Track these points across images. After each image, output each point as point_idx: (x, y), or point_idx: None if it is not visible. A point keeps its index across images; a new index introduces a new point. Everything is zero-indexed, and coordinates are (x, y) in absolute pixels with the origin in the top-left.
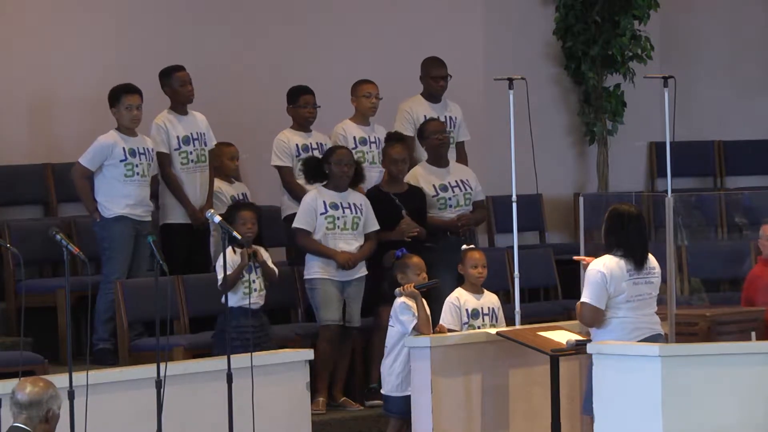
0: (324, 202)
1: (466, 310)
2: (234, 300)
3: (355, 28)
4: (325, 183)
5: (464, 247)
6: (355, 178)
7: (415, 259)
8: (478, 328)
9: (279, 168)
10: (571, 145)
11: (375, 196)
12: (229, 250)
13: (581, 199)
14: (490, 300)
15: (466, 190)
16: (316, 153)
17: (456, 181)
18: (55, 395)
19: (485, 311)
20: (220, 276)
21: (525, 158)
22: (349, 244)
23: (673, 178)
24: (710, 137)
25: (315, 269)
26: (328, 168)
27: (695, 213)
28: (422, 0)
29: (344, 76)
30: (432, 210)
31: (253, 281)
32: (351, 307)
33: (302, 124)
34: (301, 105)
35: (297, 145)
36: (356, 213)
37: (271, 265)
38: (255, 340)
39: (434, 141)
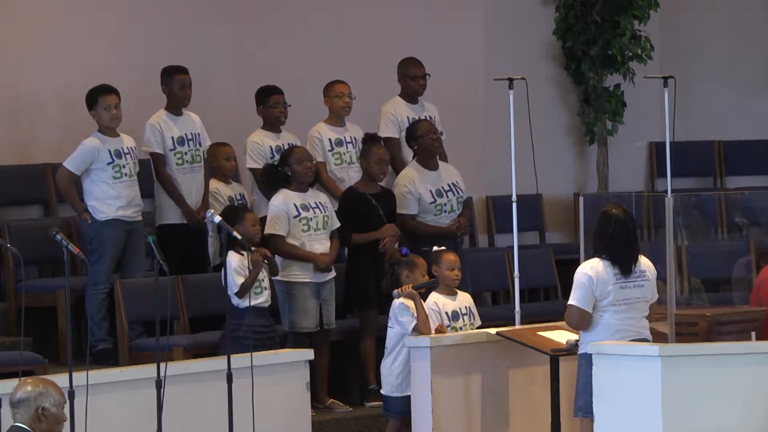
0: (295, 205)
1: (446, 313)
2: (250, 302)
3: (354, 29)
4: (286, 186)
5: (435, 248)
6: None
7: (423, 260)
8: (460, 329)
9: (254, 170)
10: (571, 145)
11: (352, 197)
12: (233, 253)
13: (581, 199)
14: (465, 299)
15: (458, 193)
16: None
17: (449, 185)
18: (45, 393)
19: (463, 311)
20: (237, 281)
21: (525, 158)
22: (322, 244)
23: (673, 178)
24: (710, 137)
25: (293, 272)
26: (289, 169)
27: (695, 213)
28: (422, 0)
29: (343, 76)
30: (428, 216)
31: (262, 280)
32: (327, 309)
33: (273, 124)
34: (271, 105)
35: (271, 147)
36: (324, 212)
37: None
38: (265, 339)
39: (428, 140)
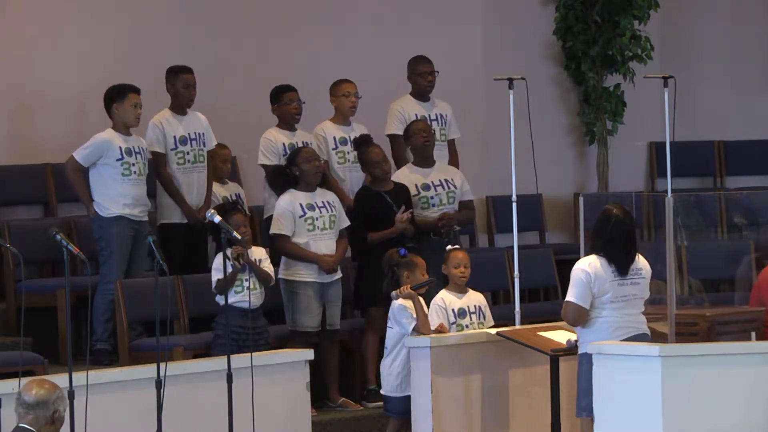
0: (300, 205)
1: (452, 310)
2: (229, 299)
3: (355, 29)
4: (294, 186)
5: (449, 247)
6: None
7: (422, 260)
8: (467, 327)
9: (265, 167)
10: (571, 145)
11: (366, 195)
12: (221, 255)
13: (581, 199)
14: (475, 299)
15: (449, 188)
16: None
17: (439, 180)
18: (62, 397)
19: (472, 309)
20: (214, 278)
21: (525, 158)
22: (329, 244)
23: (673, 178)
24: (710, 137)
25: (297, 271)
26: (297, 169)
27: (695, 213)
28: (422, 0)
29: (345, 76)
30: (415, 210)
31: (246, 280)
32: (331, 310)
33: (288, 122)
34: (285, 102)
35: (284, 144)
36: (332, 211)
37: (266, 267)
38: (249, 340)
39: (419, 139)
